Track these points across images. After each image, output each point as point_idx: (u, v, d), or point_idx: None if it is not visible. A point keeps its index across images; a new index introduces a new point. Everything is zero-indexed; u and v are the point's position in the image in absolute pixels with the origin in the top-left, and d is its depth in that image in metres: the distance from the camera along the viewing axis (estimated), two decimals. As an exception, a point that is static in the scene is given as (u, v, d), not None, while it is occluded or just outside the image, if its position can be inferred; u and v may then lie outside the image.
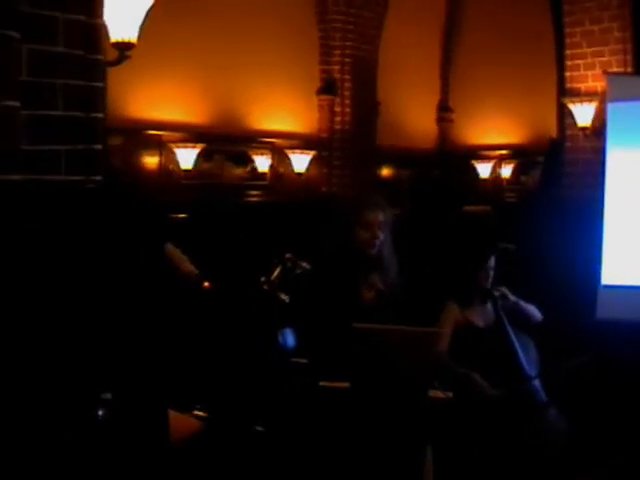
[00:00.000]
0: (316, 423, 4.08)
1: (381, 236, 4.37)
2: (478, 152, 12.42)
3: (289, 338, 5.58)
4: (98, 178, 3.34)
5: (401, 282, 4.51)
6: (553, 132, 10.00)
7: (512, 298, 5.42)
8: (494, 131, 12.14)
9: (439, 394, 4.04)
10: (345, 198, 4.86)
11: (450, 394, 4.04)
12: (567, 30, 8.62)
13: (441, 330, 4.83)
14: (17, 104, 2.94)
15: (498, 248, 5.61)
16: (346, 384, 3.88)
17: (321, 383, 3.96)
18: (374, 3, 10.63)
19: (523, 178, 11.93)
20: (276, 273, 6.09)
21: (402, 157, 12.05)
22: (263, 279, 6.12)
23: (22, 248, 2.85)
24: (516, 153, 11.96)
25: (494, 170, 12.28)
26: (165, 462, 3.22)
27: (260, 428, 4.28)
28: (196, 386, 4.37)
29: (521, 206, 11.14)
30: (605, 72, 7.97)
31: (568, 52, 8.63)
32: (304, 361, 5.13)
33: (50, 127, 3.15)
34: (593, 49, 8.41)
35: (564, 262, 7.55)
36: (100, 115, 3.37)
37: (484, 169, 12.30)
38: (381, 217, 4.38)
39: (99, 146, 3.36)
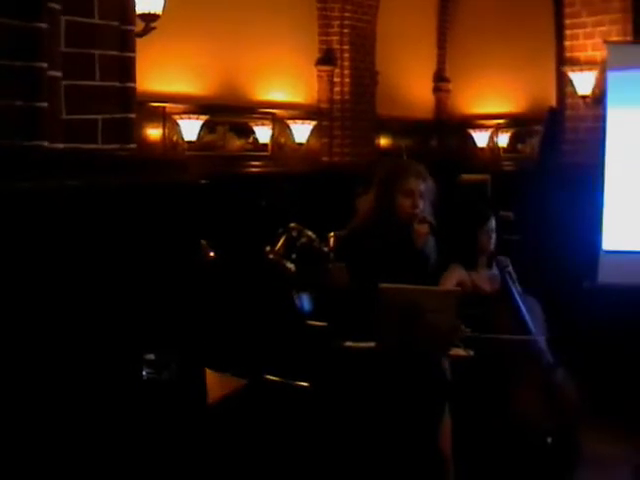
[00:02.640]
0: (341, 382, 4.20)
1: (421, 205, 4.30)
2: (475, 121, 12.47)
3: (305, 302, 5.71)
4: (133, 146, 3.44)
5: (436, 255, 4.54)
6: (550, 101, 10.08)
7: (514, 275, 5.54)
8: (491, 100, 12.19)
9: (460, 352, 4.17)
10: (385, 164, 4.76)
11: (471, 352, 4.17)
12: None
13: (459, 289, 4.90)
14: (59, 74, 3.04)
15: (497, 215, 5.71)
16: (371, 344, 3.99)
17: (347, 343, 4.08)
18: (372, -27, 10.68)
19: (520, 146, 12.00)
20: (281, 242, 6.21)
21: (400, 127, 12.12)
22: (268, 248, 6.23)
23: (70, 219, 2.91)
24: (513, 122, 12.01)
25: (491, 139, 12.34)
26: (203, 420, 3.33)
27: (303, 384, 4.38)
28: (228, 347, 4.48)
29: (518, 174, 11.23)
30: (605, 41, 8.07)
31: (568, 21, 8.69)
32: (321, 324, 5.26)
33: (87, 97, 3.26)
34: (593, 18, 8.47)
35: (565, 228, 7.67)
36: (133, 85, 3.47)
37: (481, 138, 12.37)
38: (422, 186, 4.31)
39: (133, 115, 3.47)
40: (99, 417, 2.94)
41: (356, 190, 8.15)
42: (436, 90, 12.86)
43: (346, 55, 10.69)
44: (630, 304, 6.84)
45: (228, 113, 9.67)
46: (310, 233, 6.28)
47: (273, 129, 10.20)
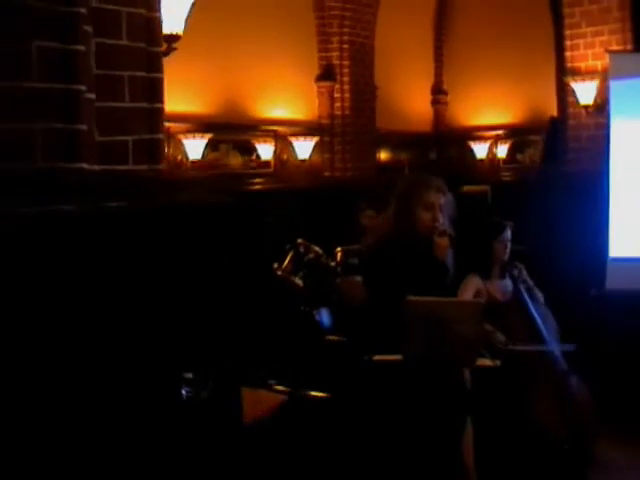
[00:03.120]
0: (369, 394, 4.24)
1: (441, 218, 4.36)
2: (474, 133, 12.58)
3: (325, 317, 5.74)
4: (161, 167, 3.48)
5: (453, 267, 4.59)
6: (547, 110, 10.17)
7: (529, 281, 5.61)
8: (489, 112, 12.29)
9: (487, 362, 4.21)
10: (404, 178, 4.86)
11: (498, 362, 4.21)
12: (566, 10, 8.75)
13: (483, 301, 4.95)
14: (93, 96, 3.08)
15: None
16: (398, 357, 4.03)
17: (375, 357, 4.11)
18: (369, -11, 10.79)
19: (519, 157, 12.12)
20: (288, 259, 6.23)
21: (399, 140, 12.21)
22: (276, 265, 6.24)
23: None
24: (511, 133, 12.13)
25: (490, 150, 12.45)
26: (239, 440, 3.36)
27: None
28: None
29: (518, 184, 11.31)
30: (607, 50, 8.15)
31: (568, 32, 8.78)
32: (341, 339, 5.30)
33: (118, 118, 3.29)
34: (592, 28, 8.56)
35: (571, 236, 7.71)
36: (161, 105, 3.52)
37: (480, 149, 12.48)
38: (442, 200, 4.37)
39: (161, 136, 3.51)
40: (139, 434, 2.97)
41: (359, 205, 8.18)
42: (434, 103, 12.96)
43: (346, 71, 10.76)
44: (638, 310, 6.89)
45: (231, 131, 9.73)
46: (317, 249, 6.28)
47: (275, 146, 10.25)
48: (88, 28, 3.05)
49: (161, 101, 3.51)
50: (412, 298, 3.89)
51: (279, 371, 4.50)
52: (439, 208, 4.36)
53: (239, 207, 3.29)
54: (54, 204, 2.50)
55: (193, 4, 4.54)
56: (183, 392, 3.20)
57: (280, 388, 3.95)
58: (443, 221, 4.38)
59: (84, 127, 2.85)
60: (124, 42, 3.31)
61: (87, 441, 2.79)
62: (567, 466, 5.17)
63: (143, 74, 3.41)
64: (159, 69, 3.50)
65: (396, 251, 4.34)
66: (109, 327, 2.81)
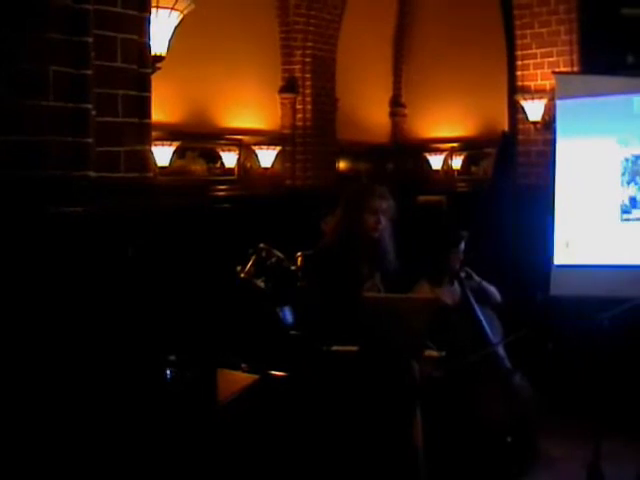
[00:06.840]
0: (325, 381, 4.66)
1: (383, 222, 4.86)
2: (430, 145, 13.04)
3: (288, 315, 6.12)
4: (150, 175, 3.90)
5: (397, 263, 5.05)
6: (501, 125, 10.57)
7: (476, 278, 6.04)
8: (445, 125, 12.76)
9: (433, 353, 4.68)
10: (352, 186, 5.36)
11: (443, 353, 4.67)
12: (518, 32, 9.29)
13: (435, 297, 5.39)
14: (94, 113, 3.49)
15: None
16: (354, 348, 4.47)
17: (333, 348, 4.54)
18: (332, 5, 11.22)
19: (473, 168, 12.59)
20: (251, 263, 6.56)
21: (358, 151, 12.64)
22: (239, 268, 6.57)
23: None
24: (466, 145, 12.61)
25: (445, 162, 12.92)
26: (214, 417, 3.72)
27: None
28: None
29: (472, 195, 11.74)
30: (554, 72, 8.61)
31: (519, 53, 9.32)
32: (303, 333, 5.68)
33: (112, 131, 3.70)
34: (542, 50, 9.12)
35: (519, 245, 8.12)
36: (149, 121, 3.93)
37: (436, 161, 12.94)
38: (384, 205, 4.87)
39: (149, 147, 3.93)
40: (130, 408, 3.33)
41: (321, 212, 8.52)
42: (393, 115, 13.40)
43: (308, 83, 11.19)
44: (578, 313, 7.26)
45: (197, 140, 10.09)
46: (278, 253, 6.62)
47: (239, 154, 10.63)
48: (93, 53, 3.47)
49: (149, 117, 3.92)
50: (369, 294, 4.33)
51: (249, 357, 4.88)
52: (382, 212, 4.87)
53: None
54: (66, 206, 2.91)
55: (175, 28, 4.96)
56: (167, 372, 3.61)
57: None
58: (385, 224, 4.89)
59: (90, 140, 3.27)
60: (119, 64, 3.73)
61: (83, 417, 3.16)
62: (510, 457, 5.58)
63: (135, 93, 3.82)
64: (148, 88, 3.91)
65: (346, 250, 4.83)
66: (108, 317, 3.20)
